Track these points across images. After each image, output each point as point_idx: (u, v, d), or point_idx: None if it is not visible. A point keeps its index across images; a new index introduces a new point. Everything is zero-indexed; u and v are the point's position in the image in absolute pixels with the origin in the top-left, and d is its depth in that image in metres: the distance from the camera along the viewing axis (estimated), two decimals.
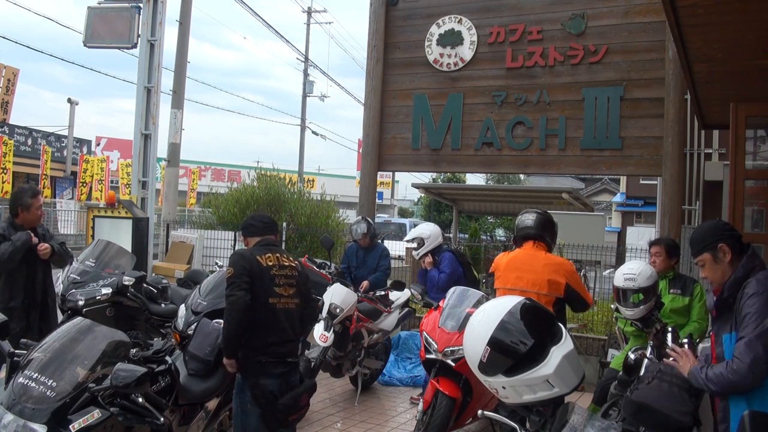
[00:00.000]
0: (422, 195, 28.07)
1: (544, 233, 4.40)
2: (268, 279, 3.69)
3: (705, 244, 2.85)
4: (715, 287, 2.88)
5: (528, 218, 4.43)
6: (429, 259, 6.27)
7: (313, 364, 5.38)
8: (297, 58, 42.71)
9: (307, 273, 4.11)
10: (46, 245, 4.88)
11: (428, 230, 6.37)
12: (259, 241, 3.91)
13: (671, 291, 4.68)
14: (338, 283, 6.09)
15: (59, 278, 5.40)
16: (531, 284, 4.20)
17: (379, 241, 7.36)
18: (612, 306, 4.95)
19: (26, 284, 4.79)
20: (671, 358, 2.97)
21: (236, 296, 3.57)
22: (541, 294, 4.15)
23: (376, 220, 12.27)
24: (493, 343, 2.78)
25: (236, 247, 9.63)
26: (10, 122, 22.61)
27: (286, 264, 3.84)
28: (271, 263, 3.75)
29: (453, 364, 4.51)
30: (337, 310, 5.73)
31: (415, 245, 6.35)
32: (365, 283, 6.62)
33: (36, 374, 2.83)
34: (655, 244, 4.91)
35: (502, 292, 4.16)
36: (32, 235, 4.76)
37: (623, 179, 27.31)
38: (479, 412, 2.90)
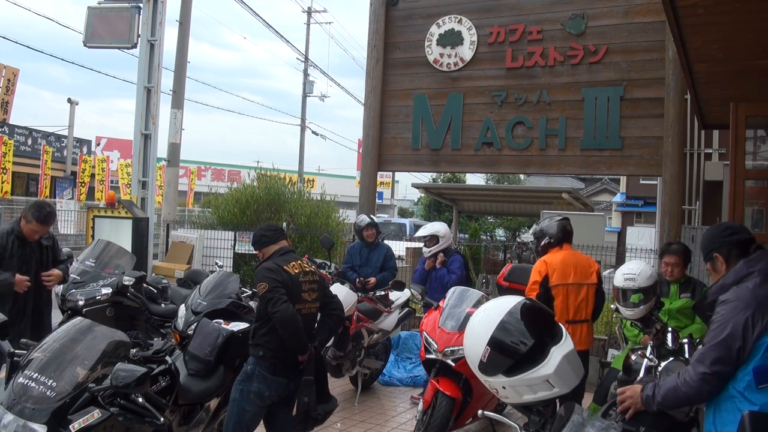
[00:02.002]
0: (422, 195, 28.08)
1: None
2: (297, 286, 3.75)
3: (704, 253, 2.78)
4: None
5: (567, 224, 5.04)
6: (442, 257, 6.37)
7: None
8: (297, 58, 42.76)
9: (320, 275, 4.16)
10: (53, 274, 4.77)
11: (444, 229, 6.52)
12: (276, 249, 3.89)
13: (682, 295, 4.61)
14: (338, 283, 6.09)
15: None
16: (584, 277, 4.85)
17: (381, 240, 7.37)
18: (612, 306, 4.94)
19: (16, 292, 4.60)
20: (621, 404, 2.79)
21: (281, 310, 3.60)
22: (592, 284, 4.85)
23: (377, 220, 12.26)
24: (494, 343, 2.78)
25: (236, 248, 9.62)
26: (10, 122, 22.62)
27: (308, 269, 3.90)
28: (297, 271, 3.80)
29: (453, 364, 4.51)
30: None
31: (426, 242, 6.45)
32: (373, 280, 6.64)
33: (36, 374, 2.83)
34: (671, 253, 4.65)
35: (563, 288, 4.77)
36: (23, 285, 4.58)
37: (623, 179, 27.30)
38: (479, 412, 2.90)
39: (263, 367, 3.70)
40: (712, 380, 2.47)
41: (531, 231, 5.47)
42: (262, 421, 3.88)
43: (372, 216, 7.25)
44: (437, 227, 6.55)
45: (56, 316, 5.26)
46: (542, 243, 5.03)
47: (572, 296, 4.79)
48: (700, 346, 2.57)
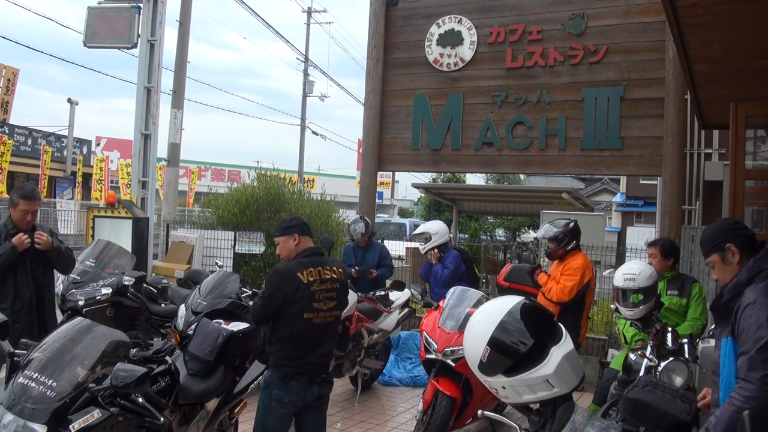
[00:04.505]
0: (422, 195, 28.06)
1: None
2: (307, 295, 3.60)
3: (713, 244, 2.73)
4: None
5: None
6: (437, 252, 6.50)
7: None
8: (297, 58, 42.75)
9: (347, 279, 3.96)
10: (44, 235, 4.55)
11: (435, 227, 6.65)
12: (308, 248, 3.76)
13: (669, 292, 4.68)
14: None
15: (59, 278, 5.38)
16: None
17: (378, 240, 7.41)
18: (612, 306, 4.95)
19: (17, 283, 4.50)
20: None
21: (252, 311, 3.76)
22: None
23: (376, 220, 12.25)
24: (493, 343, 2.78)
25: (236, 248, 9.61)
26: (10, 122, 22.62)
27: (328, 277, 3.70)
28: (312, 278, 3.63)
29: (453, 364, 4.51)
30: None
31: (422, 240, 6.63)
32: (375, 273, 6.85)
33: (36, 374, 2.83)
34: (652, 245, 4.92)
35: (591, 289, 5.18)
36: (21, 241, 4.42)
37: (623, 179, 27.28)
38: (479, 412, 2.90)
39: (276, 375, 3.66)
40: None
41: (546, 232, 5.38)
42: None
43: (368, 220, 7.29)
44: (428, 225, 6.76)
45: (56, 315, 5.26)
46: (570, 246, 5.15)
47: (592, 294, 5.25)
48: (741, 358, 2.48)
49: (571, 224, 5.21)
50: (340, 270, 3.84)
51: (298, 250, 3.75)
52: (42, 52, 39.38)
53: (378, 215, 21.30)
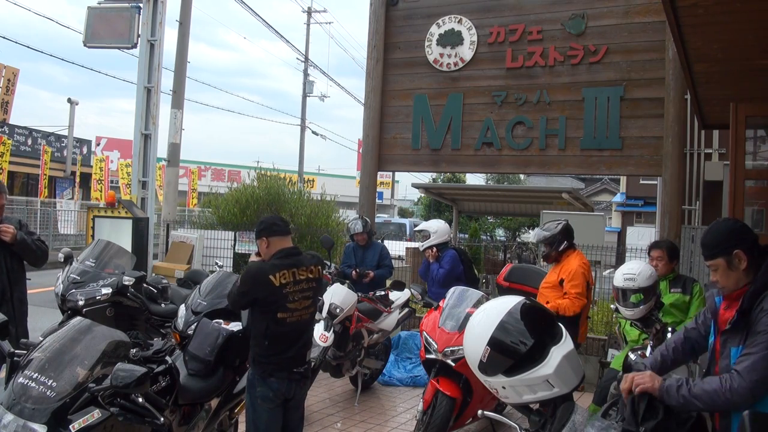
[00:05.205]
0: (422, 195, 28.07)
1: None
2: (280, 297, 3.61)
3: (719, 248, 2.64)
4: (725, 292, 2.70)
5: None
6: (434, 251, 6.56)
7: (313, 364, 5.38)
8: (297, 58, 42.76)
9: (322, 275, 4.00)
10: (10, 228, 4.42)
11: (435, 226, 6.71)
12: (281, 249, 3.72)
13: (672, 290, 4.70)
14: (338, 283, 6.10)
15: (59, 278, 5.39)
16: None
17: (378, 240, 7.42)
18: (612, 306, 4.95)
19: None
20: (636, 380, 2.66)
21: (230, 299, 3.81)
22: None
23: (376, 220, 12.26)
24: (493, 343, 2.77)
25: (236, 248, 9.61)
26: (10, 122, 22.62)
27: (302, 277, 3.71)
28: (285, 281, 3.63)
29: (453, 364, 4.51)
30: (337, 310, 5.74)
31: (422, 238, 6.70)
32: (371, 273, 6.89)
33: (36, 374, 2.83)
34: (656, 247, 4.89)
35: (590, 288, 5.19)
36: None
37: (623, 179, 27.31)
38: (479, 412, 2.90)
39: (256, 372, 3.69)
40: (763, 389, 2.41)
41: (537, 237, 5.42)
42: None
43: (367, 219, 7.33)
44: (429, 224, 6.81)
45: (56, 316, 5.26)
46: (561, 248, 5.15)
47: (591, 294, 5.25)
48: (745, 356, 2.46)
49: (560, 225, 5.19)
50: (318, 268, 3.84)
51: (272, 252, 3.74)
52: (42, 52, 39.49)
53: (378, 215, 21.30)
